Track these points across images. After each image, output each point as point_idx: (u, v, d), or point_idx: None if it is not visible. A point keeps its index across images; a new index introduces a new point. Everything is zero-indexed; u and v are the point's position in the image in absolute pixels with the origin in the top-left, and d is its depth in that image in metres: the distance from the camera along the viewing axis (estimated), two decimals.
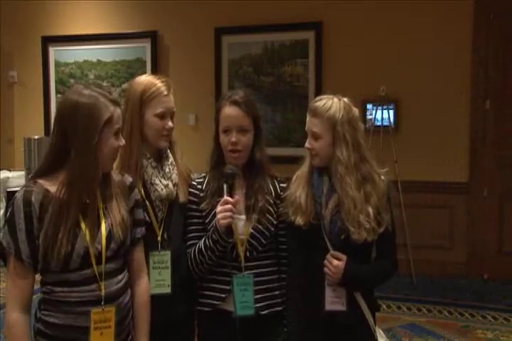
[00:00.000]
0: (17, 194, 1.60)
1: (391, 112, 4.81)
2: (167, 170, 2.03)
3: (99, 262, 1.61)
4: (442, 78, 4.79)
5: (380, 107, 4.76)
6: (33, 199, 1.57)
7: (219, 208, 1.90)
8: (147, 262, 1.92)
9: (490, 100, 4.74)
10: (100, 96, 1.60)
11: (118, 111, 1.64)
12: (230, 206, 1.88)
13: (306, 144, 1.96)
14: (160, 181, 2.00)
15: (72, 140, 1.57)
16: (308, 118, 1.96)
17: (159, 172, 2.01)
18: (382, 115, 4.78)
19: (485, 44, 4.72)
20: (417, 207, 4.66)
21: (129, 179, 1.79)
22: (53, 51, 5.97)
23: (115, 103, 1.63)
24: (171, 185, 2.01)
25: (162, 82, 2.01)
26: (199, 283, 2.07)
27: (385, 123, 4.77)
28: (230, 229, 1.90)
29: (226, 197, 1.89)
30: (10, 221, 1.58)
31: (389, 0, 4.84)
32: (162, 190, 1.98)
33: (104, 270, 1.62)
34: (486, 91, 4.75)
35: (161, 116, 1.99)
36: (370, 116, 4.80)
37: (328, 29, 5.06)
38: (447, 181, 4.80)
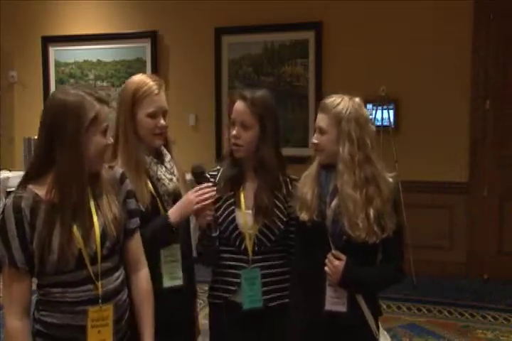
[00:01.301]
0: (7, 201, 1.58)
1: (391, 112, 4.81)
2: (168, 166, 2.06)
3: (94, 262, 1.61)
4: (442, 78, 4.79)
5: (380, 107, 4.76)
6: (22, 205, 1.55)
7: (196, 207, 1.93)
8: (159, 257, 1.95)
9: (490, 100, 4.74)
10: (86, 95, 1.59)
11: (105, 109, 1.62)
12: (205, 202, 1.91)
13: (313, 139, 1.96)
14: (165, 176, 2.02)
15: (58, 139, 1.55)
16: (317, 114, 1.97)
17: (162, 168, 2.03)
18: (382, 115, 4.78)
19: (485, 44, 4.72)
20: (417, 207, 4.65)
21: (118, 171, 1.77)
22: (53, 51, 5.97)
23: (101, 101, 1.62)
24: (175, 179, 2.05)
25: (154, 81, 2.01)
26: (211, 276, 2.13)
27: (385, 123, 4.77)
28: (211, 226, 1.95)
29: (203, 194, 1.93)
30: (1, 228, 1.56)
31: (389, 0, 4.84)
32: (168, 184, 2.01)
33: (100, 269, 1.62)
34: (486, 92, 4.75)
35: (153, 116, 1.99)
36: (370, 116, 4.79)
37: (328, 29, 5.06)
38: (447, 181, 4.80)
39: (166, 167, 2.04)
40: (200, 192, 1.92)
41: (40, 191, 1.58)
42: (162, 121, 2.01)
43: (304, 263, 1.98)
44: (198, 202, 1.91)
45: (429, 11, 4.77)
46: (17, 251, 1.55)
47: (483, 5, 4.70)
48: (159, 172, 2.01)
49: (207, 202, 1.91)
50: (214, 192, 1.94)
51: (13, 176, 5.43)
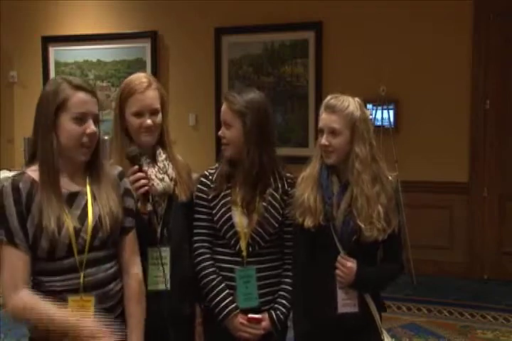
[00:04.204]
0: (5, 183, 1.59)
1: (391, 112, 4.81)
2: (161, 165, 2.02)
3: (83, 251, 1.61)
4: (442, 78, 4.79)
5: (380, 107, 4.76)
6: (20, 186, 1.58)
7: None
8: (146, 258, 1.92)
9: (490, 100, 4.74)
10: (64, 82, 1.62)
11: (79, 96, 1.62)
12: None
13: (323, 141, 1.92)
14: (155, 176, 1.99)
15: (35, 127, 1.62)
16: (324, 116, 1.93)
17: (154, 167, 2.01)
18: (382, 115, 4.79)
19: (485, 44, 4.72)
20: (417, 207, 4.65)
21: (118, 168, 1.81)
22: (53, 51, 5.97)
23: (78, 88, 1.63)
24: (167, 179, 2.00)
25: (142, 79, 2.00)
26: None
27: (385, 123, 4.77)
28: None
29: (134, 168, 1.91)
30: (0, 208, 1.57)
31: (389, 0, 4.84)
32: (158, 184, 1.98)
33: (87, 259, 1.62)
34: (486, 92, 4.75)
35: (137, 115, 1.98)
36: (370, 116, 4.80)
37: (328, 29, 5.06)
38: (447, 181, 4.80)
39: (159, 166, 2.02)
40: (131, 178, 1.89)
41: (36, 176, 1.62)
42: (148, 121, 1.97)
43: (308, 267, 1.97)
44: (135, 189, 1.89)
45: (429, 11, 4.76)
46: (16, 229, 1.56)
47: (483, 5, 4.70)
48: (149, 172, 1.98)
49: (140, 183, 1.89)
50: (142, 174, 1.91)
51: None
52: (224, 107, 2.05)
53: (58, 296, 1.59)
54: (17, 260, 1.57)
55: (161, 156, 2.05)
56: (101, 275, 1.65)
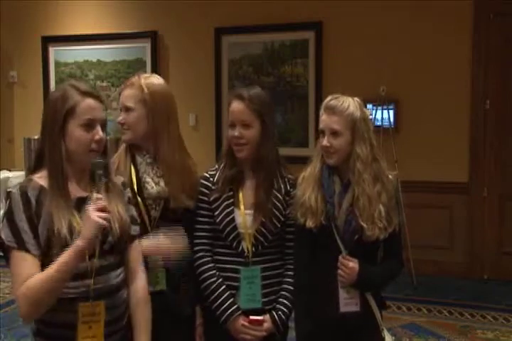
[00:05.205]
0: (13, 189, 1.59)
1: (391, 112, 4.81)
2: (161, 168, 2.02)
3: (93, 257, 1.60)
4: (442, 78, 4.78)
5: (380, 107, 4.76)
6: (29, 193, 1.57)
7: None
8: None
9: (490, 100, 4.74)
10: (70, 88, 1.62)
11: (88, 102, 1.62)
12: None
13: (324, 142, 1.92)
14: (151, 179, 1.99)
15: (43, 133, 1.63)
16: (324, 117, 1.93)
17: (152, 170, 2.00)
18: (382, 115, 4.78)
19: (485, 44, 4.72)
20: (417, 207, 4.65)
21: (120, 178, 1.83)
22: (53, 51, 5.97)
23: (85, 94, 1.63)
24: (162, 183, 1.99)
25: (133, 77, 2.04)
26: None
27: (385, 123, 4.77)
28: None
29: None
30: (9, 214, 1.56)
31: (389, 0, 4.84)
32: (152, 188, 1.97)
33: (98, 264, 1.61)
34: (486, 92, 4.74)
35: (120, 111, 2.03)
36: (370, 116, 4.79)
37: (328, 29, 5.06)
38: (447, 181, 4.80)
39: (156, 169, 2.01)
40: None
41: (44, 182, 1.61)
42: (120, 117, 2.01)
43: (310, 267, 1.97)
44: None
45: (429, 11, 4.77)
46: (27, 234, 1.54)
47: (483, 5, 4.70)
48: (145, 175, 1.98)
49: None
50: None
51: (13, 176, 5.43)
52: (240, 107, 2.00)
53: (66, 306, 1.58)
54: (27, 265, 1.54)
55: (161, 158, 2.03)
56: (111, 282, 1.65)
